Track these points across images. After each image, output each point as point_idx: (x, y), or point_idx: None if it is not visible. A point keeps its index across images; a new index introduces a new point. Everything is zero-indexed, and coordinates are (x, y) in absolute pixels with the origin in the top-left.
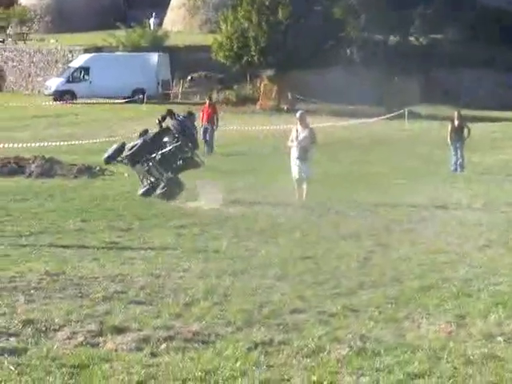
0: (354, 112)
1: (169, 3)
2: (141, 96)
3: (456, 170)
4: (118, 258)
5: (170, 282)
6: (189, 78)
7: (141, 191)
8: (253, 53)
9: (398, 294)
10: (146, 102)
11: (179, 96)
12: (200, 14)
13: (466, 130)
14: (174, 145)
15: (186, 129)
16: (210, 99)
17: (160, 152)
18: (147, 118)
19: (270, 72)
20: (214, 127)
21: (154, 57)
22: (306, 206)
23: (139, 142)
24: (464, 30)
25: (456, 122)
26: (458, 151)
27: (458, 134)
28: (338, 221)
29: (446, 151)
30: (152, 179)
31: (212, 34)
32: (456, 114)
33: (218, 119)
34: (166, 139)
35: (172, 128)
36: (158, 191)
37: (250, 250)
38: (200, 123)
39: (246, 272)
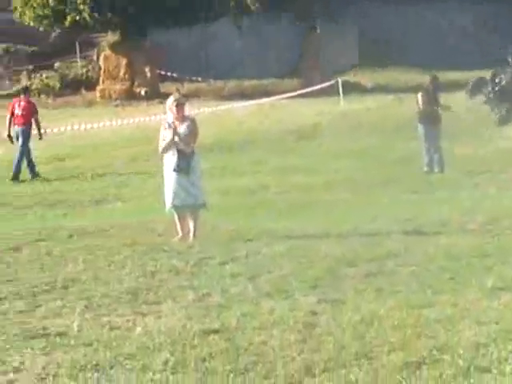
0: (253, 89)
1: None
2: None
3: (432, 170)
4: None
5: None
6: None
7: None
8: (81, 6)
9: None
10: None
11: None
12: None
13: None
14: None
15: None
16: (26, 90)
17: None
18: None
19: (112, 37)
20: (32, 134)
21: None
22: (198, 250)
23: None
24: None
25: (428, 95)
26: (432, 141)
27: (432, 114)
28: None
29: (412, 142)
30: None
31: None
32: (429, 79)
33: (38, 121)
34: None
35: None
36: None
37: None
38: (11, 127)
39: None
